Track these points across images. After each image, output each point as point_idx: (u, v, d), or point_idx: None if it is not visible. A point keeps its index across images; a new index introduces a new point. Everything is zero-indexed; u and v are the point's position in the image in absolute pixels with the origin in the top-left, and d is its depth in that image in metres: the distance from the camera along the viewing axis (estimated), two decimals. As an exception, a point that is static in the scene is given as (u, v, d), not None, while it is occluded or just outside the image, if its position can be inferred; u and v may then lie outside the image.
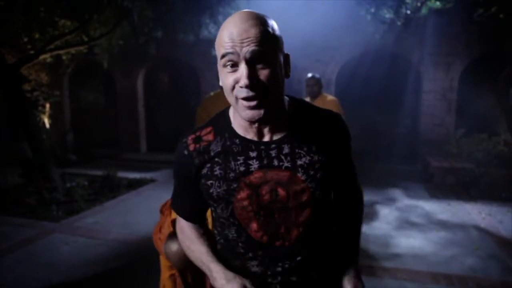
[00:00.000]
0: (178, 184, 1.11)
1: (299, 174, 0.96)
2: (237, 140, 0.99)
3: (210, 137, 1.02)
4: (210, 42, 6.97)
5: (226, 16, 6.29)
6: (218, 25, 6.25)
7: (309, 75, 4.09)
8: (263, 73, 0.88)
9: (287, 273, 1.01)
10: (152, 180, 6.41)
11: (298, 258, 1.00)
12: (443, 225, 4.27)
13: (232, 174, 0.97)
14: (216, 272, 1.01)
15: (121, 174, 6.37)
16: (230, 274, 1.00)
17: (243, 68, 0.87)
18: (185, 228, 1.14)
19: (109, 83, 9.57)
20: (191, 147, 1.03)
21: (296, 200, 0.97)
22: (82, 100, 10.22)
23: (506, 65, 6.81)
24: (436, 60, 7.12)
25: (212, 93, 4.36)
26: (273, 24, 0.92)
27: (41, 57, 5.76)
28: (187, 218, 1.13)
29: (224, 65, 0.91)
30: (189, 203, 1.11)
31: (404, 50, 7.21)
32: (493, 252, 3.55)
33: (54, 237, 4.03)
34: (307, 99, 4.24)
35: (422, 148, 7.16)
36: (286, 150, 0.97)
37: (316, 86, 4.03)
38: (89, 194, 5.45)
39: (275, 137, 0.98)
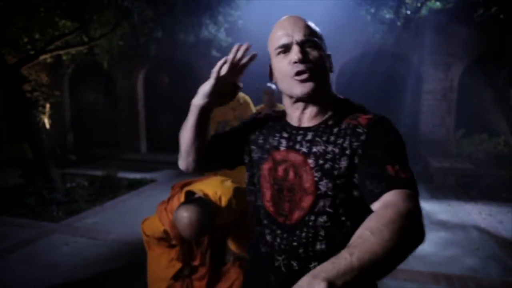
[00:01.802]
0: (236, 127, 1.27)
1: (310, 161, 1.02)
2: (282, 121, 1.15)
3: (275, 114, 1.21)
4: (210, 42, 6.99)
5: (226, 17, 6.33)
6: (218, 25, 6.25)
7: None
8: (312, 54, 1.02)
9: (289, 254, 1.06)
10: (152, 180, 6.41)
11: (295, 244, 1.04)
12: (443, 225, 4.27)
13: (267, 146, 1.13)
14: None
15: (121, 174, 6.37)
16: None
17: (295, 48, 1.01)
18: None
19: (109, 84, 9.57)
20: (261, 115, 1.24)
21: (301, 184, 1.03)
22: (82, 100, 10.22)
23: (506, 65, 6.81)
24: (436, 61, 7.12)
25: None
26: (317, 28, 1.08)
27: (41, 57, 5.75)
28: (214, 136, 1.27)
29: (278, 53, 1.05)
30: (225, 137, 1.26)
31: (404, 51, 7.21)
32: (493, 253, 3.55)
33: (54, 238, 4.03)
34: None
35: (422, 148, 7.16)
36: (309, 136, 1.05)
37: None
38: (89, 195, 5.45)
39: (307, 124, 1.07)
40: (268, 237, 1.11)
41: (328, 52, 1.08)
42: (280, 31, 1.05)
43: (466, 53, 6.95)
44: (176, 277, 2.13)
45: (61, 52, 6.19)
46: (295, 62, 1.00)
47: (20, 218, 4.57)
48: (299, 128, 1.08)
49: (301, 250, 1.03)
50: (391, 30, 6.01)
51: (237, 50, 1.08)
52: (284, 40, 1.03)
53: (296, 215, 1.04)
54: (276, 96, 4.21)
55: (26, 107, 5.58)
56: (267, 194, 1.10)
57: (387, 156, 0.95)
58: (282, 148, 1.08)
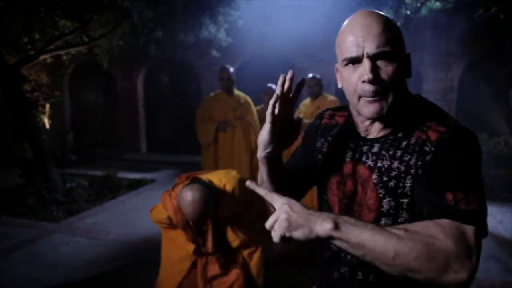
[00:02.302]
0: (301, 146, 1.21)
1: (374, 176, 0.95)
2: (349, 129, 1.05)
3: (340, 119, 1.10)
4: (210, 42, 6.99)
5: (226, 16, 6.33)
6: (218, 25, 6.25)
7: (310, 75, 4.11)
8: (386, 70, 0.89)
9: (347, 268, 1.02)
10: (152, 181, 6.41)
11: (354, 257, 0.97)
12: (443, 225, 4.27)
13: (333, 157, 1.06)
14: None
15: (121, 174, 6.37)
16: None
17: (366, 63, 0.88)
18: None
19: (109, 84, 9.57)
20: (324, 121, 1.14)
21: (366, 200, 0.97)
22: (82, 100, 10.22)
23: (506, 65, 6.81)
24: (436, 61, 7.12)
25: (212, 94, 4.37)
26: (393, 22, 0.93)
27: (41, 57, 5.75)
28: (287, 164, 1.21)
29: (346, 64, 0.92)
30: (297, 163, 1.19)
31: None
32: (494, 253, 3.55)
33: (54, 238, 4.03)
34: (308, 100, 4.29)
35: (422, 149, 7.16)
36: (375, 149, 0.97)
37: (317, 87, 4.05)
38: (89, 195, 5.45)
39: (375, 135, 0.98)
40: (328, 253, 1.07)
41: (407, 51, 0.96)
42: (350, 37, 0.90)
43: (466, 53, 6.95)
44: (198, 252, 2.15)
45: (61, 52, 6.19)
46: (364, 82, 0.89)
47: (20, 218, 4.57)
48: (366, 140, 0.99)
49: (361, 266, 0.99)
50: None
51: (284, 82, 0.95)
52: (353, 52, 0.89)
53: None
54: (319, 86, 4.14)
55: (26, 107, 5.58)
56: (336, 207, 1.04)
57: (449, 180, 0.83)
58: (347, 160, 1.01)
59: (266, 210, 2.28)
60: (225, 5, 6.03)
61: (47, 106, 8.65)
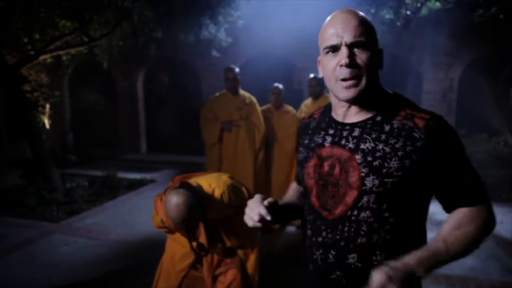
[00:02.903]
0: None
1: (357, 157, 1.03)
2: (327, 119, 1.16)
3: (317, 115, 1.24)
4: (210, 43, 6.98)
5: (226, 17, 6.33)
6: (218, 25, 6.25)
7: (311, 75, 4.11)
8: (361, 56, 1.01)
9: (327, 247, 1.08)
10: (152, 181, 6.41)
11: (337, 237, 1.06)
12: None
13: (312, 145, 1.16)
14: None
15: (121, 174, 6.37)
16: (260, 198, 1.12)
17: (343, 50, 1.01)
18: (292, 185, 1.38)
19: (109, 84, 9.57)
20: (304, 121, 1.27)
21: (346, 179, 1.04)
22: (82, 100, 10.22)
23: (506, 65, 6.81)
24: (436, 61, 7.12)
25: (217, 94, 4.37)
26: (368, 20, 1.06)
27: (41, 57, 5.75)
28: (295, 178, 1.34)
29: (327, 53, 1.05)
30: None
31: (404, 51, 7.21)
32: (494, 253, 3.55)
33: (54, 238, 4.03)
34: (309, 100, 4.28)
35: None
36: (356, 133, 1.06)
37: (318, 87, 4.05)
38: (89, 195, 5.45)
39: (354, 120, 1.08)
40: (309, 232, 1.15)
41: (380, 47, 1.08)
42: (331, 29, 1.03)
43: (466, 53, 6.95)
44: (201, 249, 2.19)
45: (61, 52, 6.19)
46: (342, 66, 1.01)
47: (20, 218, 4.57)
48: (344, 124, 1.09)
49: (342, 244, 1.05)
50: (391, 31, 6.01)
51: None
52: (333, 41, 1.02)
53: (339, 210, 1.06)
54: (283, 96, 4.19)
55: (26, 107, 5.58)
56: (313, 191, 1.13)
57: (457, 168, 1.02)
58: (327, 145, 1.11)
59: None
60: (225, 5, 6.03)
61: (47, 106, 8.64)
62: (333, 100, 1.13)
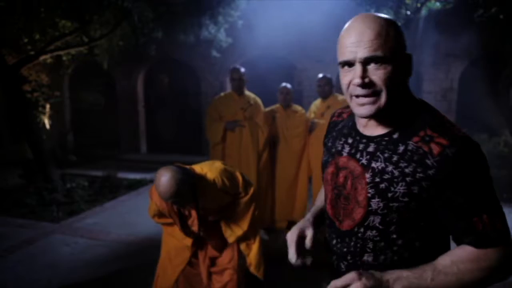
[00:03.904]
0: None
1: (367, 175, 0.99)
2: (350, 123, 1.12)
3: (346, 115, 1.19)
4: (210, 43, 6.97)
5: (226, 17, 6.33)
6: (218, 26, 6.25)
7: (320, 75, 4.11)
8: (376, 73, 0.93)
9: (338, 257, 1.09)
10: (152, 181, 6.39)
11: (344, 250, 1.06)
12: (443, 225, 4.26)
13: (333, 150, 1.14)
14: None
15: (121, 174, 6.37)
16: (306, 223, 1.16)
17: (357, 67, 0.94)
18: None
19: (109, 84, 9.57)
20: (333, 119, 1.24)
21: (355, 196, 1.02)
22: (82, 100, 10.22)
23: (506, 65, 6.81)
24: (436, 61, 7.12)
25: (222, 94, 4.38)
26: (392, 25, 0.96)
27: (41, 57, 5.76)
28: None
29: (342, 66, 0.99)
30: None
31: (404, 51, 7.22)
32: (494, 253, 3.54)
33: (54, 238, 4.03)
34: (318, 100, 4.28)
35: (422, 149, 7.15)
36: (371, 148, 1.01)
37: (327, 86, 4.04)
38: (89, 195, 5.45)
39: (373, 133, 1.03)
40: (328, 236, 1.17)
41: (408, 52, 0.99)
42: (346, 42, 0.96)
43: (466, 53, 6.95)
44: (196, 244, 2.23)
45: (61, 52, 6.19)
46: (354, 85, 0.96)
47: (20, 219, 4.57)
48: (363, 136, 1.05)
49: (349, 257, 1.06)
50: (391, 31, 6.00)
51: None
52: (347, 56, 0.95)
53: (347, 224, 1.05)
54: (292, 95, 4.18)
55: (26, 108, 5.59)
56: (329, 196, 1.13)
57: (471, 205, 0.91)
58: (344, 154, 1.08)
59: (255, 202, 2.34)
60: (225, 6, 6.03)
61: (47, 106, 8.64)
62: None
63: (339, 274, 1.05)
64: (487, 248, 0.92)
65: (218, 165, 2.22)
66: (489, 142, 5.82)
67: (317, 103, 4.25)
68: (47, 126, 8.55)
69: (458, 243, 0.97)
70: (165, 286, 2.28)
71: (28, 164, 5.98)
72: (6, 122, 8.82)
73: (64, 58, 7.20)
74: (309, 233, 1.11)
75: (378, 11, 5.61)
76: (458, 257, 0.93)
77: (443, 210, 0.94)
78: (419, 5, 5.59)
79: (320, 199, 1.31)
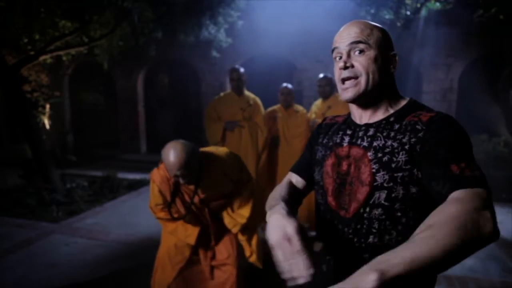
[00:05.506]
0: (306, 148, 1.35)
1: (369, 153, 1.06)
2: (347, 121, 1.21)
3: (340, 119, 1.26)
4: (210, 43, 6.97)
5: (226, 17, 6.33)
6: (218, 26, 6.25)
7: (321, 75, 4.12)
8: (358, 60, 1.07)
9: (344, 246, 1.09)
10: (152, 181, 6.40)
11: (350, 236, 1.07)
12: (443, 225, 4.26)
13: (330, 143, 1.19)
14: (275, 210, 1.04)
15: (121, 175, 6.38)
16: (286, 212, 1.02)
17: (343, 54, 1.09)
18: (284, 180, 1.31)
19: (109, 84, 9.58)
20: (326, 121, 1.30)
21: (358, 176, 1.06)
22: (82, 100, 10.23)
23: (506, 65, 6.81)
24: (436, 61, 7.12)
25: (222, 94, 4.38)
26: (379, 29, 1.11)
27: (41, 58, 5.76)
28: (293, 169, 1.33)
29: (334, 58, 1.12)
30: (303, 161, 1.33)
31: (404, 51, 7.21)
32: (493, 253, 3.55)
33: (54, 238, 4.03)
34: (319, 100, 4.29)
35: (422, 149, 7.15)
36: (370, 132, 1.10)
37: (327, 86, 4.04)
38: (89, 195, 5.45)
39: (369, 121, 1.12)
40: (328, 231, 1.16)
41: (393, 52, 1.13)
42: (337, 36, 1.12)
43: (466, 53, 6.95)
44: (197, 244, 2.25)
45: (61, 52, 6.19)
46: (340, 68, 1.08)
47: (20, 219, 4.57)
48: (361, 125, 1.13)
49: (356, 242, 1.06)
50: (391, 31, 5.94)
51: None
52: (334, 45, 1.12)
53: (353, 207, 1.07)
54: (293, 96, 4.19)
55: (26, 108, 5.58)
56: (330, 189, 1.14)
57: (450, 154, 0.93)
58: (345, 144, 1.14)
59: (259, 190, 2.36)
60: (225, 6, 6.03)
61: (47, 106, 8.65)
62: (350, 103, 1.18)
63: (343, 264, 1.09)
64: (466, 188, 0.86)
65: (223, 149, 2.30)
66: (489, 142, 5.82)
67: (318, 103, 4.26)
68: (47, 126, 8.56)
69: (441, 201, 0.89)
70: (163, 283, 2.29)
71: (28, 164, 5.98)
72: (6, 122, 8.83)
73: (64, 58, 7.20)
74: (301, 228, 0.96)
75: (378, 11, 5.61)
76: (435, 211, 0.84)
77: (425, 166, 0.95)
78: (419, 5, 5.60)
79: (276, 197, 1.17)
